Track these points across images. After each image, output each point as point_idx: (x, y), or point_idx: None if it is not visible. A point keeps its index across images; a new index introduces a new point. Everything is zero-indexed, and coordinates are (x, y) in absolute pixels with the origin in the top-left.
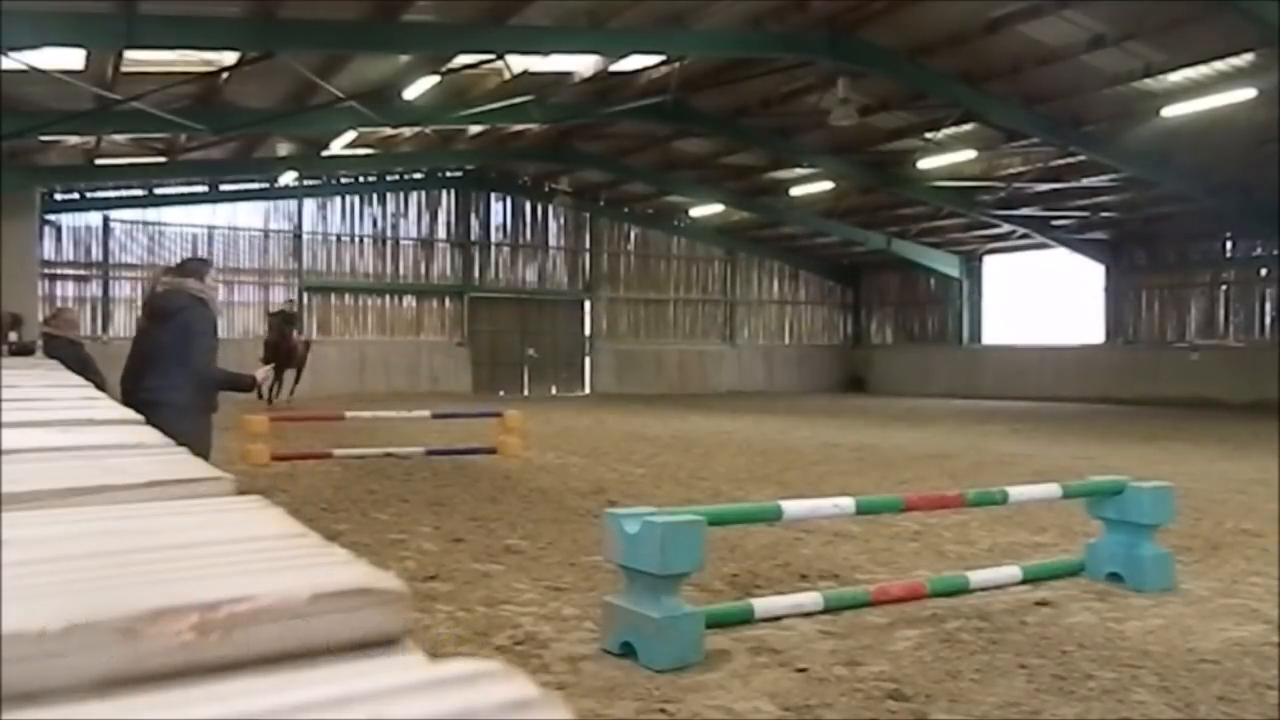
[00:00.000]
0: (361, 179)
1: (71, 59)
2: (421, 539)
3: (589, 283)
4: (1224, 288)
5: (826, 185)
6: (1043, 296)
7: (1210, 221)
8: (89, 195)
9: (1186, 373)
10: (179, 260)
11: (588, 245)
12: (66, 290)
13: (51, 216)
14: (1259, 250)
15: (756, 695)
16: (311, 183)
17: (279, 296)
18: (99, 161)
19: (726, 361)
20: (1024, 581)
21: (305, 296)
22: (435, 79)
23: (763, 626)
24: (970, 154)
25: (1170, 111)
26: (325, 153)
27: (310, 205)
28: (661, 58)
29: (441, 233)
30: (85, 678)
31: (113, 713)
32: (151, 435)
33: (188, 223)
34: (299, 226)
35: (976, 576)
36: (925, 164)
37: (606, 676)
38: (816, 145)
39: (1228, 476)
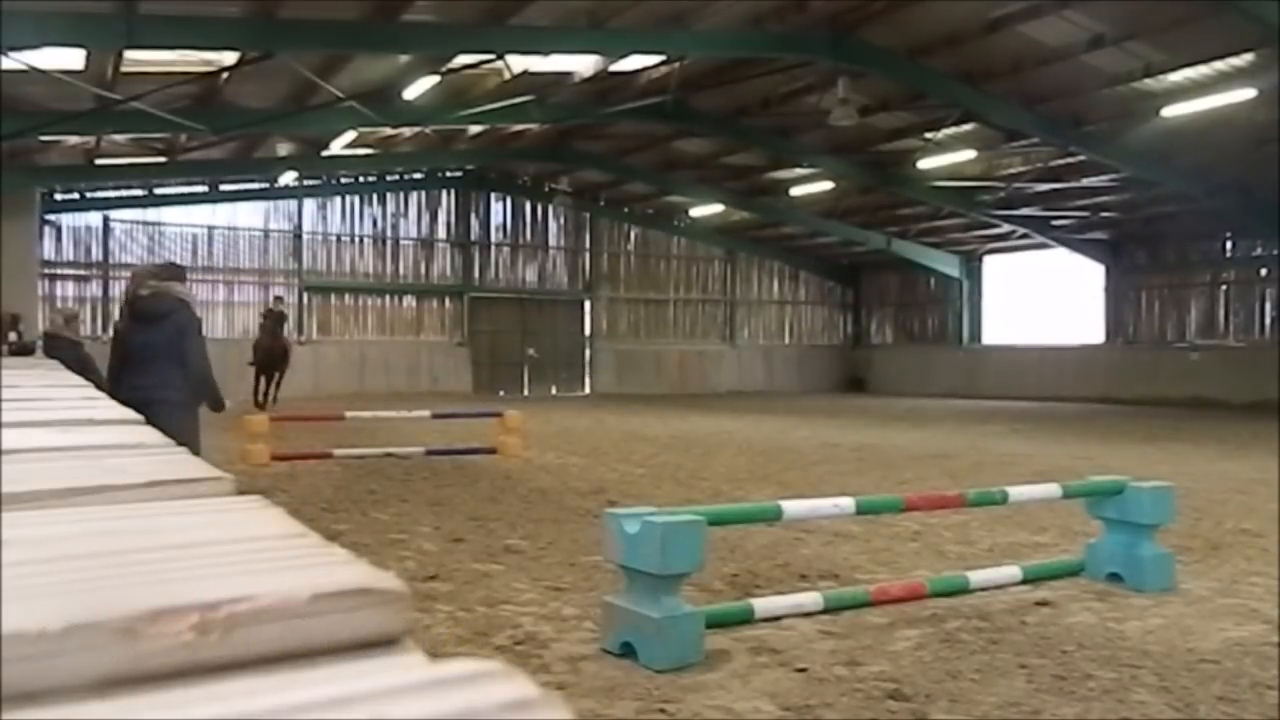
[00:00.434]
0: (361, 179)
1: (71, 59)
2: (421, 539)
3: (589, 283)
4: (1224, 288)
5: (826, 185)
6: (1043, 296)
7: (1210, 221)
8: (89, 195)
9: (1186, 373)
10: (155, 264)
11: (588, 245)
12: (66, 290)
13: (51, 216)
14: (1259, 250)
15: (756, 695)
16: (311, 183)
17: (282, 297)
18: (99, 161)
19: (726, 361)
20: (1024, 581)
21: (305, 296)
22: (435, 79)
23: (763, 626)
24: (970, 154)
25: (1170, 111)
26: (325, 153)
27: (310, 205)
28: (661, 58)
29: (441, 233)
30: (85, 678)
31: (113, 713)
32: (151, 435)
33: (188, 223)
34: (299, 226)
35: (976, 576)
36: (925, 164)
37: (606, 676)
38: (816, 145)
39: (1228, 476)
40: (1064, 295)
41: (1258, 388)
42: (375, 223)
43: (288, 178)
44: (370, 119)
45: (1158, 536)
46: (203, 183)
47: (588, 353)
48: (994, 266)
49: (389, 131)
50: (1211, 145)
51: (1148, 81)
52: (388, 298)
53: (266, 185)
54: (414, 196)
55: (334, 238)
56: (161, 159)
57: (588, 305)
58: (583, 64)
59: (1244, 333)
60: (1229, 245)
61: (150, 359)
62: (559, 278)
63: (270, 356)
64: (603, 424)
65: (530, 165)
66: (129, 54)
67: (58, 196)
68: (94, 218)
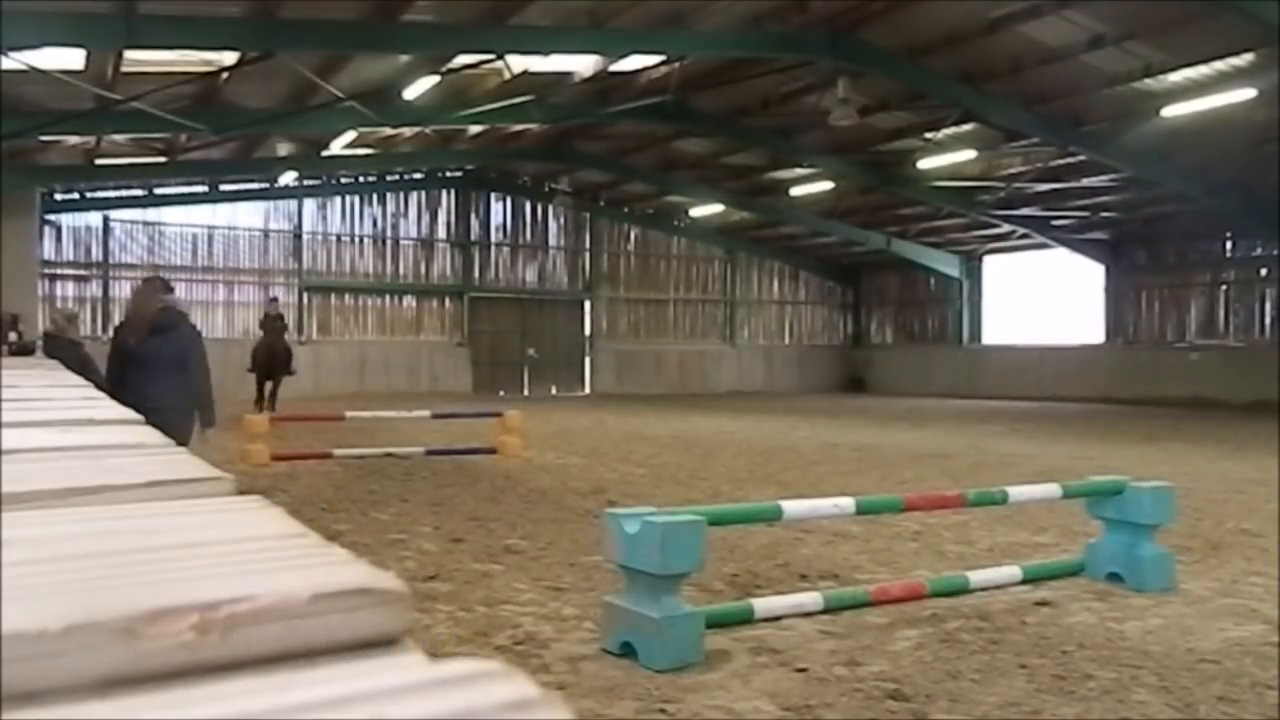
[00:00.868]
0: (361, 179)
1: (71, 59)
2: (421, 539)
3: (589, 283)
4: (1224, 288)
5: (826, 185)
6: (1043, 296)
7: (1210, 221)
8: (89, 195)
9: (1186, 373)
10: (151, 277)
11: (588, 245)
12: (66, 290)
13: (51, 216)
14: (1259, 250)
15: (756, 695)
16: (311, 183)
17: (280, 297)
18: (99, 161)
19: (726, 361)
20: (1024, 581)
21: (305, 296)
22: (435, 79)
23: (763, 626)
24: (970, 154)
25: (1170, 111)
26: (325, 153)
27: (310, 205)
28: (661, 58)
29: (441, 233)
30: (85, 678)
31: (113, 713)
32: (151, 435)
33: (188, 223)
34: (299, 226)
35: (976, 576)
36: (925, 164)
37: (606, 676)
38: (816, 145)
39: (1228, 476)
40: (1064, 295)
41: (1258, 388)
42: (375, 223)
43: (288, 178)
44: (370, 119)
45: (1158, 536)
46: (203, 183)
47: (588, 353)
48: (994, 266)
49: (389, 131)
50: (1211, 145)
51: (1148, 81)
52: (388, 298)
53: (266, 185)
54: (414, 196)
55: (334, 238)
56: (161, 159)
57: (588, 305)
58: (583, 64)
59: (1244, 333)
60: (1229, 245)
61: (160, 368)
62: (559, 278)
63: (273, 359)
64: (603, 424)
65: (530, 165)
66: (129, 54)
67: (58, 196)
68: (94, 218)
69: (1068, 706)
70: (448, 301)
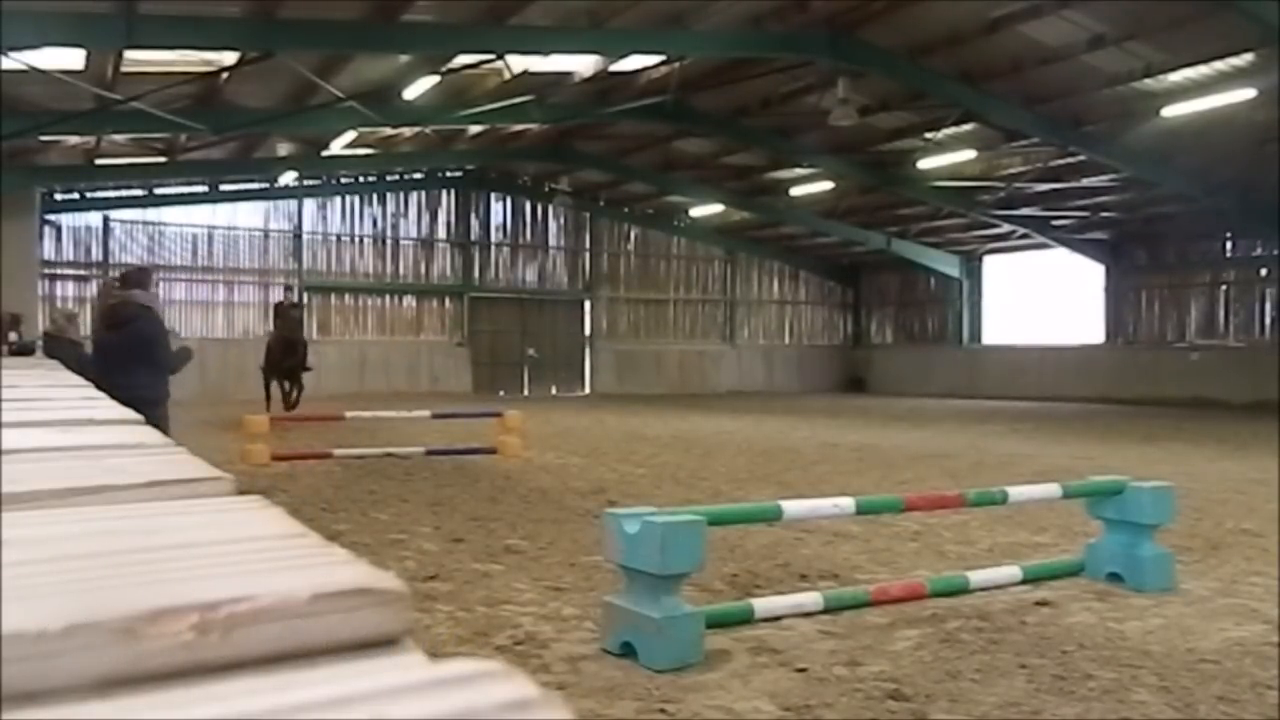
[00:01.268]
0: (361, 179)
1: (71, 59)
2: (421, 539)
3: (589, 283)
4: (1224, 288)
5: (826, 185)
6: (1043, 296)
7: (1210, 221)
8: (89, 195)
9: (1186, 373)
10: (123, 272)
11: (588, 245)
12: (66, 290)
13: (51, 216)
14: (1259, 250)
15: (756, 695)
16: (311, 183)
17: (279, 297)
18: (99, 161)
19: (726, 361)
20: (1024, 581)
21: (305, 296)
22: (435, 79)
23: (763, 626)
24: (970, 154)
25: (1170, 111)
26: (325, 153)
27: (310, 205)
28: (661, 58)
29: (441, 233)
30: (85, 678)
31: (113, 713)
32: (151, 435)
33: (188, 223)
34: (299, 226)
35: (976, 576)
36: (925, 164)
37: (606, 676)
38: (816, 145)
39: (1228, 476)
40: (1064, 295)
41: (1258, 388)
42: (375, 223)
43: (288, 178)
44: (370, 119)
45: (1158, 536)
46: (203, 183)
47: (588, 353)
48: (994, 266)
49: (389, 131)
50: (1211, 145)
51: (1148, 81)
52: (388, 298)
53: (266, 185)
54: (414, 196)
55: (334, 238)
56: (161, 159)
57: (588, 305)
58: (583, 64)
59: (1244, 333)
60: (1229, 245)
61: (124, 361)
62: (559, 278)
63: (292, 355)
64: (603, 424)
65: (530, 165)
66: (129, 54)
67: (58, 196)
68: (94, 218)
69: (1068, 706)
70: (448, 301)
